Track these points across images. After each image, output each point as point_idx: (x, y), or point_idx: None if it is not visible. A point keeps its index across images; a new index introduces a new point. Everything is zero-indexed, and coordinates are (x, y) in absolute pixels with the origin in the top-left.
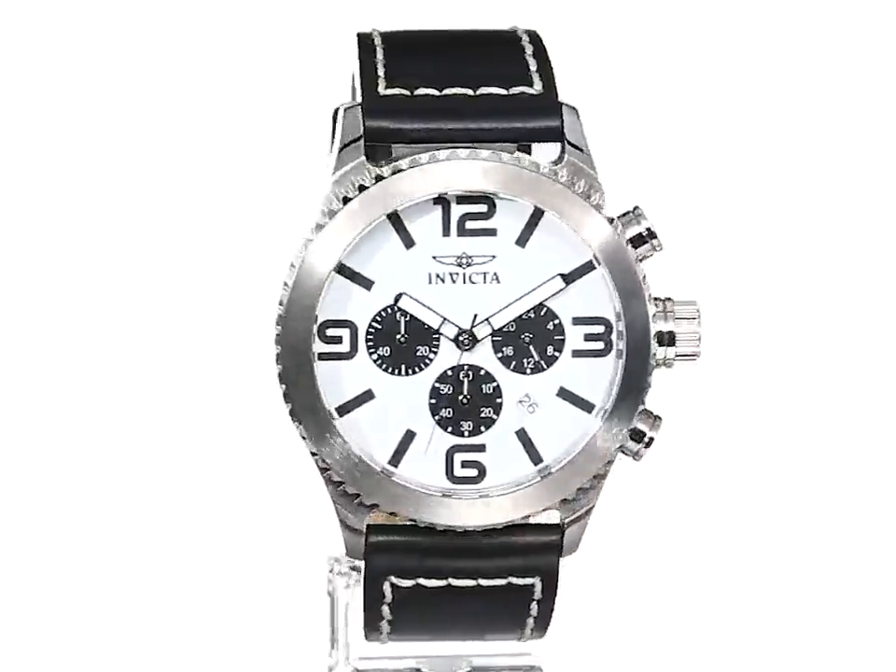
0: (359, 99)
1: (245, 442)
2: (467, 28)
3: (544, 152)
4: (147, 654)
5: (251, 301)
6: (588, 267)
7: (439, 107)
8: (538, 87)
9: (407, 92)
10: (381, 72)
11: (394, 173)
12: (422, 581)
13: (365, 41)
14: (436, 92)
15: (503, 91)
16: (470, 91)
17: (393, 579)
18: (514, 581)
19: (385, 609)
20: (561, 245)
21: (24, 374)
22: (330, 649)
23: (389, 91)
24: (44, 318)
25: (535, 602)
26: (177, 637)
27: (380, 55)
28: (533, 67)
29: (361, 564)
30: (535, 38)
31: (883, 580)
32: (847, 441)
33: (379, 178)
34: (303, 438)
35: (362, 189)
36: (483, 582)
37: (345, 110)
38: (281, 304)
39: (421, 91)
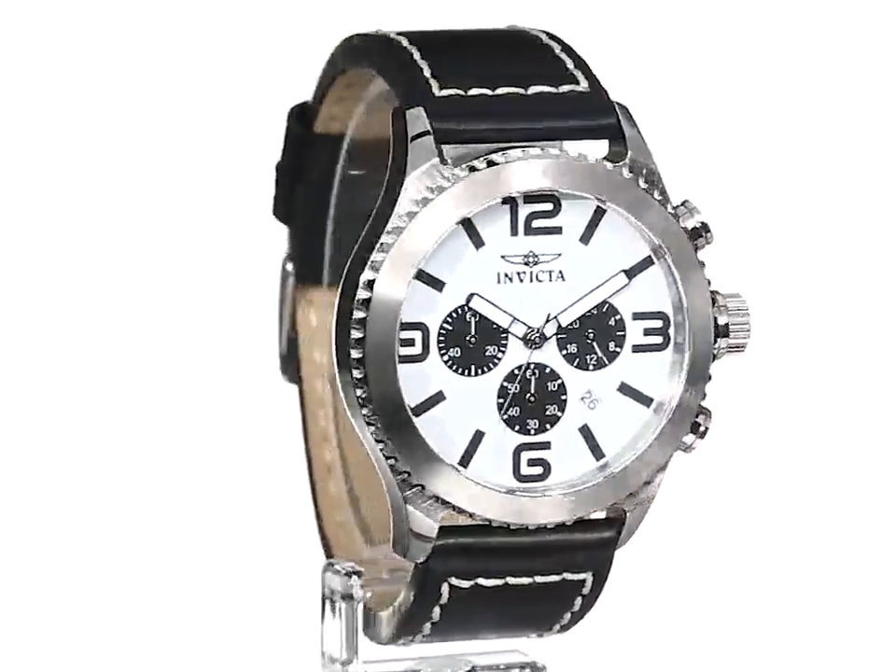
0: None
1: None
2: (476, 27)
3: (593, 149)
4: (144, 657)
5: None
6: (648, 262)
7: (497, 107)
8: (584, 84)
9: (462, 92)
10: (427, 72)
11: (470, 172)
12: (481, 580)
13: (381, 41)
14: (489, 92)
15: (553, 90)
16: (522, 91)
17: (453, 580)
18: (569, 576)
19: (437, 610)
20: (622, 242)
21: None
22: (347, 654)
23: (445, 92)
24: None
25: (580, 597)
26: (172, 639)
27: (416, 55)
28: (570, 65)
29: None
30: (554, 37)
31: None
32: (866, 436)
33: (456, 180)
34: (380, 441)
35: (441, 190)
36: (539, 580)
37: (406, 111)
38: (364, 307)
39: (474, 91)
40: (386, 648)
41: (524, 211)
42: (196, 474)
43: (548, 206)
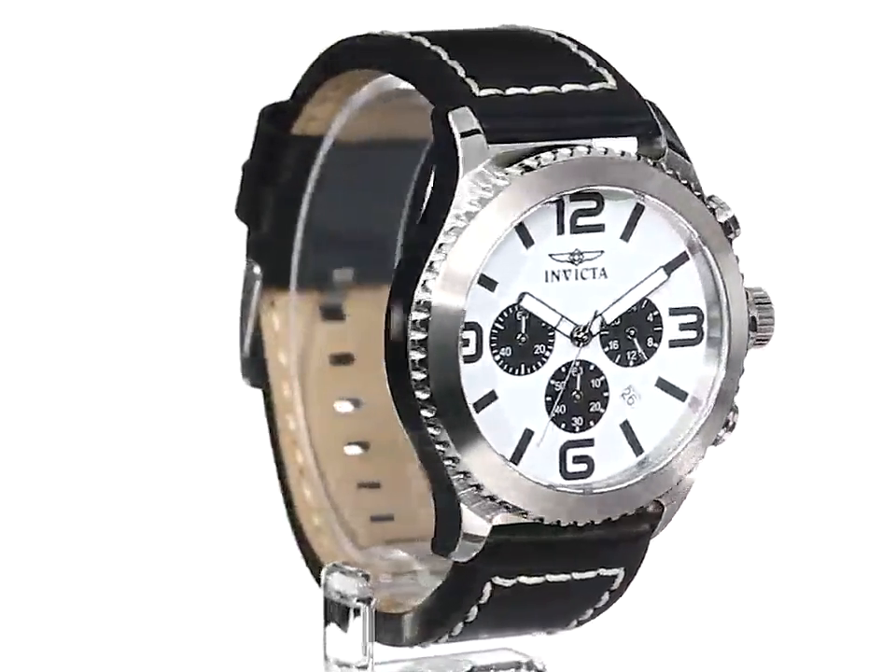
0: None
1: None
2: (479, 27)
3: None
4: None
5: None
6: (683, 258)
7: (538, 106)
8: (612, 82)
9: (501, 92)
10: (461, 72)
11: (524, 172)
12: (523, 579)
13: (396, 42)
14: (526, 91)
15: (585, 88)
16: (556, 89)
17: (497, 579)
18: (603, 572)
19: (475, 609)
20: (660, 238)
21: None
22: (364, 657)
23: (485, 92)
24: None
25: (608, 592)
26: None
27: (444, 56)
28: (592, 63)
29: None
30: (565, 36)
31: None
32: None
33: (511, 179)
34: (442, 443)
35: (497, 190)
36: (576, 576)
37: (450, 112)
38: (425, 309)
39: (511, 90)
40: (386, 648)
41: (569, 209)
42: (160, 481)
43: (592, 204)
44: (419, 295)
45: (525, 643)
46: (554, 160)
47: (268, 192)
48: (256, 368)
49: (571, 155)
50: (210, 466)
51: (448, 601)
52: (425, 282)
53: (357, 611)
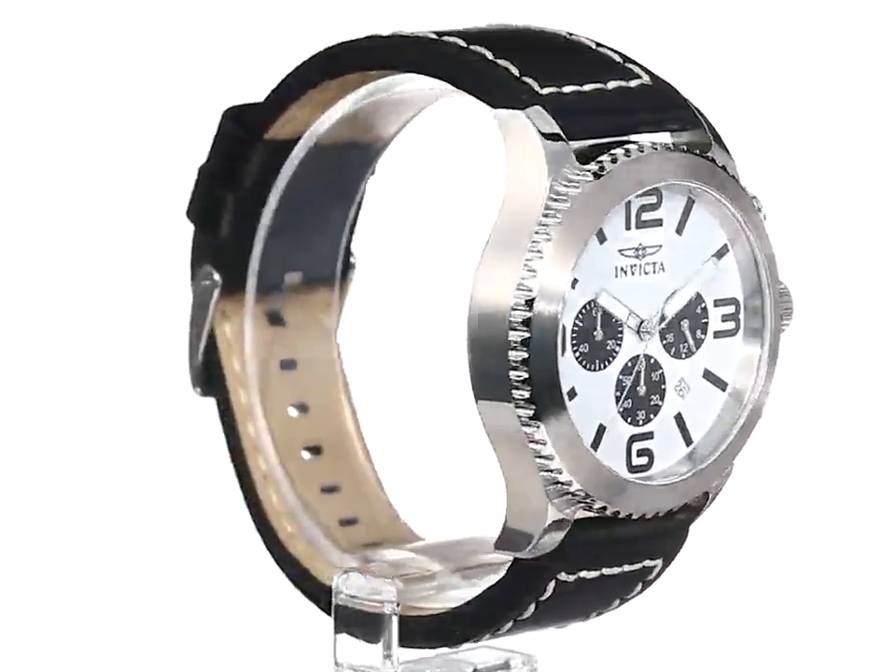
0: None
1: None
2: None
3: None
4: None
5: None
6: (725, 249)
7: (597, 103)
8: (646, 78)
9: (559, 90)
10: (514, 71)
11: (602, 170)
12: (583, 573)
13: (425, 42)
14: (580, 89)
15: (626, 84)
16: (603, 86)
17: (562, 575)
18: (647, 563)
19: (532, 607)
20: (707, 231)
21: None
22: (384, 659)
23: (546, 91)
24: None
25: (642, 583)
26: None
27: (489, 55)
28: (618, 59)
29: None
30: (575, 35)
31: None
32: None
33: (592, 177)
34: (538, 442)
35: (581, 186)
36: (627, 568)
37: (524, 112)
38: (527, 307)
39: (567, 88)
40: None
41: (635, 204)
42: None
43: (653, 199)
44: (519, 293)
45: (521, 642)
46: (627, 156)
47: (230, 196)
48: (208, 376)
49: (642, 151)
50: (163, 475)
51: (506, 600)
52: (522, 281)
53: (379, 616)
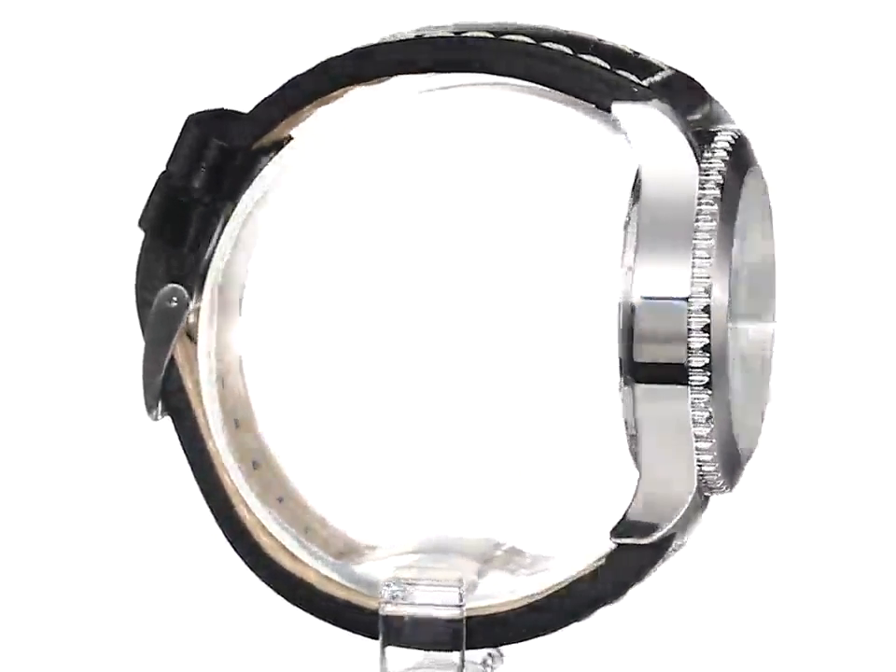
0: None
1: None
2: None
3: None
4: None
5: None
6: None
7: (679, 93)
8: (666, 70)
9: (644, 83)
10: (604, 65)
11: (729, 155)
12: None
13: (490, 43)
14: (654, 80)
15: (666, 76)
16: (656, 79)
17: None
18: None
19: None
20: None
21: None
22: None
23: (647, 81)
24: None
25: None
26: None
27: (567, 50)
28: (640, 53)
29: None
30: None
31: None
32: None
33: (729, 164)
34: (702, 425)
35: (724, 174)
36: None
37: (650, 104)
38: (706, 296)
39: (647, 80)
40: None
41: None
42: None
43: None
44: (698, 286)
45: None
46: (732, 144)
47: (195, 209)
48: (166, 397)
49: (741, 135)
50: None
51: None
52: (696, 272)
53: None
